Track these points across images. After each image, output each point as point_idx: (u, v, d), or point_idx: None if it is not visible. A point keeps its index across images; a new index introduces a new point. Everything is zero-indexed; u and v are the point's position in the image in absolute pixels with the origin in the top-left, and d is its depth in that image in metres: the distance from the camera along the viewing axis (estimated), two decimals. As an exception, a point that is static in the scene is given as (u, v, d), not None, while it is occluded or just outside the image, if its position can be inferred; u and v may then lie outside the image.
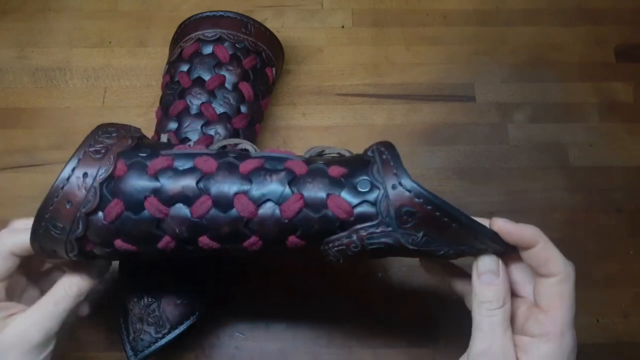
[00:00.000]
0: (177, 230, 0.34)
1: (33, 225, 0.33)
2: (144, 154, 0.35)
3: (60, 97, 0.56)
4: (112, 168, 0.33)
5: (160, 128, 0.48)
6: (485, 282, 0.32)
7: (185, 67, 0.49)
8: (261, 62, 0.50)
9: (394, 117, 0.56)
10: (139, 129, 0.38)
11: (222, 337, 0.49)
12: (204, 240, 0.34)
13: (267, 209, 0.34)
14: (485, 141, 0.56)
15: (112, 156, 0.34)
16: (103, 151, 0.34)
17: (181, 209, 0.34)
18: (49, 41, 0.58)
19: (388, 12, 0.61)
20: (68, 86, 0.57)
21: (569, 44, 0.60)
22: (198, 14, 0.50)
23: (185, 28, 0.50)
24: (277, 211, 0.34)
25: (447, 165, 0.55)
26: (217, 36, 0.48)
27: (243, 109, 0.48)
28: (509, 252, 0.34)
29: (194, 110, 0.47)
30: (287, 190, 0.34)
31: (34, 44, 0.58)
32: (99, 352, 0.48)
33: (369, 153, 0.35)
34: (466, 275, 0.37)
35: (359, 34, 0.60)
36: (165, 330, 0.43)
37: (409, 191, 0.32)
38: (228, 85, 0.48)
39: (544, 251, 0.32)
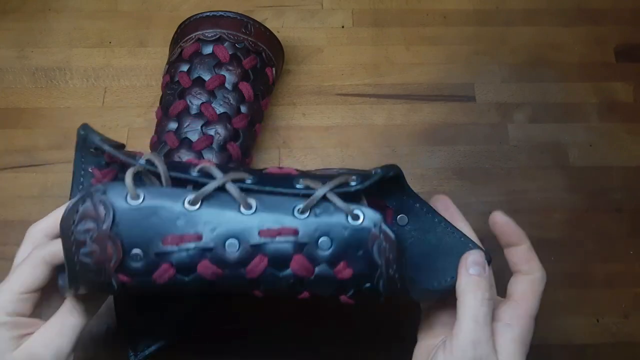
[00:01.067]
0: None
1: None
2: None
3: (60, 97, 0.56)
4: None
5: (160, 128, 0.48)
6: (475, 274, 0.34)
7: (185, 67, 0.49)
8: (261, 62, 0.50)
9: (394, 117, 0.56)
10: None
11: (222, 337, 0.49)
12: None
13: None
14: (485, 141, 0.56)
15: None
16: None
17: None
18: (49, 41, 0.58)
19: (388, 12, 0.61)
20: (68, 86, 0.57)
21: (569, 44, 0.60)
22: (198, 14, 0.50)
23: (185, 28, 0.50)
24: None
25: (447, 165, 0.55)
26: (217, 36, 0.48)
27: (243, 109, 0.48)
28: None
29: (194, 110, 0.47)
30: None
31: (34, 44, 0.58)
32: (99, 352, 0.48)
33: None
34: None
35: (359, 34, 0.60)
36: (165, 331, 0.43)
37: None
38: (228, 85, 0.48)
39: (528, 252, 0.37)
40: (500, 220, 0.37)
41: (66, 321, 0.34)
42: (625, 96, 0.58)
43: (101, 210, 0.31)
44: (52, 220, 0.35)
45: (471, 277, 0.34)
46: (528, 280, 0.36)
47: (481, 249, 0.37)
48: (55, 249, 0.33)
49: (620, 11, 0.62)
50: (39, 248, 0.34)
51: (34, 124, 0.55)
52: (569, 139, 0.56)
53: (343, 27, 0.60)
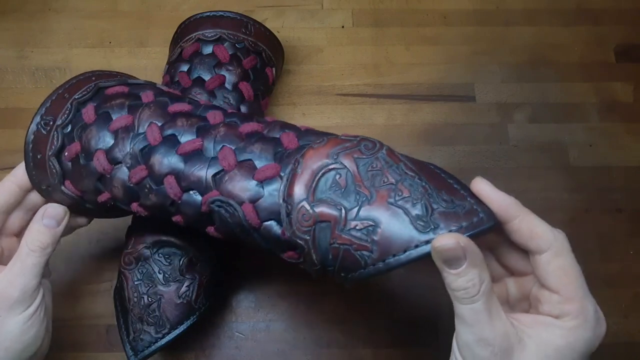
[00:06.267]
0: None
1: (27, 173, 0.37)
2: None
3: (60, 97, 0.56)
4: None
5: (160, 128, 0.48)
6: (453, 268, 0.28)
7: (185, 67, 0.49)
8: (261, 62, 0.50)
9: (394, 117, 0.56)
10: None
11: (222, 337, 0.49)
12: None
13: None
14: (485, 141, 0.56)
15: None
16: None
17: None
18: (49, 41, 0.58)
19: (388, 12, 0.61)
20: (68, 86, 0.57)
21: (569, 44, 0.60)
22: (198, 14, 0.50)
23: (185, 28, 0.50)
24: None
25: (447, 165, 0.55)
26: (217, 36, 0.48)
27: (243, 109, 0.48)
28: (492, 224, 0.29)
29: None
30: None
31: (34, 44, 0.58)
32: (99, 352, 0.48)
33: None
34: None
35: (359, 34, 0.60)
36: (165, 330, 0.43)
37: None
38: (228, 85, 0.48)
39: (525, 223, 0.30)
40: (485, 192, 0.30)
41: (26, 261, 0.36)
42: (625, 96, 0.58)
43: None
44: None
45: (450, 275, 0.28)
46: (547, 260, 0.29)
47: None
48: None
49: (620, 11, 0.62)
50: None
51: (34, 124, 0.55)
52: (569, 139, 0.56)
53: (343, 27, 0.60)
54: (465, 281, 0.28)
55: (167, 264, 0.44)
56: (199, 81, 0.48)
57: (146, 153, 0.35)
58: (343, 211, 0.30)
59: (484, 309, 0.28)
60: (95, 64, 0.57)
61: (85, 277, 0.50)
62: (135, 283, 0.44)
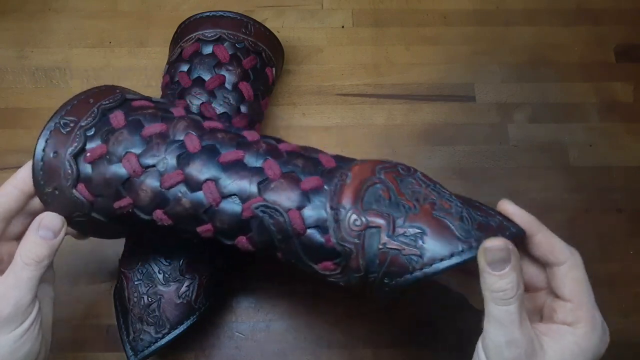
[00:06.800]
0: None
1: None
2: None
3: (60, 97, 0.56)
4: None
5: (160, 128, 0.48)
6: (496, 270, 0.30)
7: (185, 67, 0.48)
8: (261, 62, 0.50)
9: (394, 117, 0.56)
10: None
11: (222, 337, 0.49)
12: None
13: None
14: (485, 141, 0.56)
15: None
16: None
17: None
18: (49, 41, 0.58)
19: (388, 12, 0.61)
20: (68, 86, 0.57)
21: (569, 44, 0.60)
22: (198, 14, 0.50)
23: (185, 28, 0.50)
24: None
25: (447, 165, 0.55)
26: (217, 36, 0.48)
27: (243, 109, 0.48)
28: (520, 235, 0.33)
29: (193, 110, 0.47)
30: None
31: (34, 44, 0.58)
32: (99, 352, 0.48)
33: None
34: (468, 274, 0.36)
35: (359, 34, 0.60)
36: (165, 330, 0.43)
37: None
38: (228, 85, 0.48)
39: (546, 239, 0.33)
40: (511, 210, 0.33)
41: (20, 275, 0.34)
42: (625, 96, 0.58)
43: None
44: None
45: (492, 275, 0.30)
46: (564, 271, 0.32)
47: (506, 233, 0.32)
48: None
49: (620, 11, 0.62)
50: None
51: (34, 124, 0.55)
52: (569, 139, 0.56)
53: (343, 27, 0.60)
54: (505, 283, 0.30)
55: (167, 264, 0.44)
56: (199, 81, 0.48)
57: (184, 159, 0.35)
58: (391, 219, 0.32)
59: (517, 312, 0.30)
60: (95, 64, 0.57)
61: (85, 277, 0.50)
62: (135, 283, 0.44)
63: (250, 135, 0.37)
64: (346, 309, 0.49)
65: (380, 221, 0.32)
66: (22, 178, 0.36)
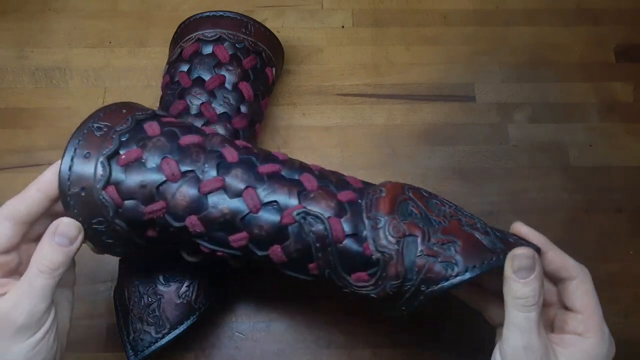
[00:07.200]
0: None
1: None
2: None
3: (60, 97, 0.56)
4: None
5: (160, 128, 0.48)
6: (522, 277, 0.33)
7: (185, 67, 0.49)
8: (261, 62, 0.50)
9: (394, 117, 0.56)
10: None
11: (222, 337, 0.49)
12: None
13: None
14: (485, 141, 0.56)
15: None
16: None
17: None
18: (49, 41, 0.58)
19: (388, 12, 0.61)
20: (68, 86, 0.57)
21: (569, 44, 0.60)
22: (198, 14, 0.50)
23: (185, 28, 0.50)
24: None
25: (447, 165, 0.55)
26: (217, 36, 0.48)
27: (243, 109, 0.48)
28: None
29: (193, 111, 0.47)
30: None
31: (34, 44, 0.58)
32: (99, 352, 0.48)
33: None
34: (484, 291, 0.38)
35: (359, 34, 0.60)
36: (165, 330, 0.43)
37: None
38: (228, 85, 0.48)
39: (558, 256, 0.35)
40: (524, 231, 0.37)
41: (34, 282, 0.32)
42: (625, 96, 0.58)
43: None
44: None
45: (517, 282, 0.33)
46: (576, 285, 0.35)
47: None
48: (14, 203, 0.34)
49: (620, 11, 0.62)
50: (6, 204, 0.34)
51: (34, 124, 0.55)
52: (569, 139, 0.56)
53: (343, 27, 0.60)
54: (529, 290, 0.32)
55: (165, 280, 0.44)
56: (199, 81, 0.48)
57: (223, 168, 0.36)
58: (426, 229, 0.34)
59: (536, 319, 0.32)
60: (95, 64, 0.57)
61: (85, 277, 0.50)
62: (135, 283, 0.44)
63: (281, 155, 0.39)
64: (346, 309, 0.49)
65: (416, 231, 0.34)
66: (47, 181, 0.35)
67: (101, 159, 0.34)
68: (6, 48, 0.58)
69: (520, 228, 0.37)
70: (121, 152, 0.35)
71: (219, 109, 0.47)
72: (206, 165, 0.36)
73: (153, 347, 0.43)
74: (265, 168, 0.36)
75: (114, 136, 0.35)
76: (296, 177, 0.37)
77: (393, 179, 0.38)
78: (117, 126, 0.36)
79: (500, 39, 0.60)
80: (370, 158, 0.55)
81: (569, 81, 0.58)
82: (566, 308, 0.35)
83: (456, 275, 0.33)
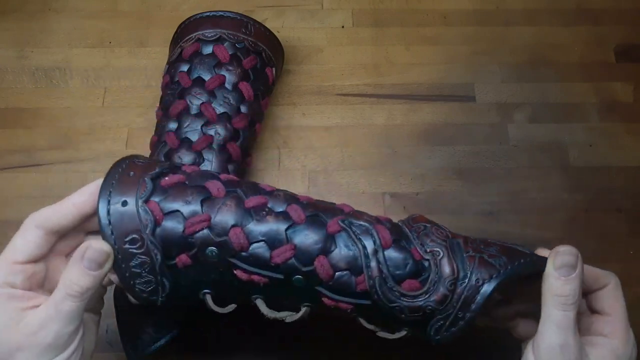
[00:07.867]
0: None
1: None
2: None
3: (60, 97, 0.56)
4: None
5: (160, 128, 0.48)
6: (563, 275, 0.33)
7: (185, 67, 0.49)
8: (261, 62, 0.50)
9: (394, 117, 0.56)
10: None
11: (222, 337, 0.49)
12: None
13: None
14: (485, 141, 0.56)
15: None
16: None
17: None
18: (49, 41, 0.58)
19: (388, 12, 0.61)
20: (68, 86, 0.57)
21: (569, 44, 0.60)
22: (198, 14, 0.50)
23: (185, 28, 0.50)
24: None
25: (447, 165, 0.55)
26: (217, 36, 0.48)
27: (243, 109, 0.48)
28: None
29: (193, 110, 0.47)
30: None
31: (34, 44, 0.58)
32: (99, 352, 0.48)
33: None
34: (511, 307, 0.39)
35: (359, 34, 0.60)
36: (165, 330, 0.43)
37: None
38: (228, 85, 0.48)
39: (588, 271, 0.36)
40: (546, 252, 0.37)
41: (61, 306, 0.32)
42: (625, 96, 0.58)
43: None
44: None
45: (558, 280, 0.33)
46: (608, 291, 0.36)
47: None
48: (47, 213, 0.33)
49: (620, 11, 0.62)
50: (31, 215, 0.34)
51: (34, 124, 0.55)
52: (569, 139, 0.56)
53: (343, 27, 0.60)
54: (570, 289, 0.33)
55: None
56: (199, 81, 0.48)
57: (276, 192, 0.38)
58: (463, 236, 0.37)
59: (573, 318, 0.33)
60: (95, 64, 0.57)
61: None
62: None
63: (306, 199, 0.40)
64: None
65: (457, 237, 0.36)
66: (83, 202, 0.34)
67: (146, 178, 0.35)
68: (6, 48, 0.58)
69: (544, 251, 0.37)
70: (164, 175, 0.36)
71: (219, 109, 0.47)
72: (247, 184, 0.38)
73: (153, 347, 0.43)
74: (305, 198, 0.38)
75: (156, 164, 0.37)
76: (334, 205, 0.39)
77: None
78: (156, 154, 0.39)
79: (500, 39, 0.60)
80: (370, 158, 0.55)
81: (569, 81, 0.58)
82: (592, 311, 0.36)
83: (506, 268, 0.34)
